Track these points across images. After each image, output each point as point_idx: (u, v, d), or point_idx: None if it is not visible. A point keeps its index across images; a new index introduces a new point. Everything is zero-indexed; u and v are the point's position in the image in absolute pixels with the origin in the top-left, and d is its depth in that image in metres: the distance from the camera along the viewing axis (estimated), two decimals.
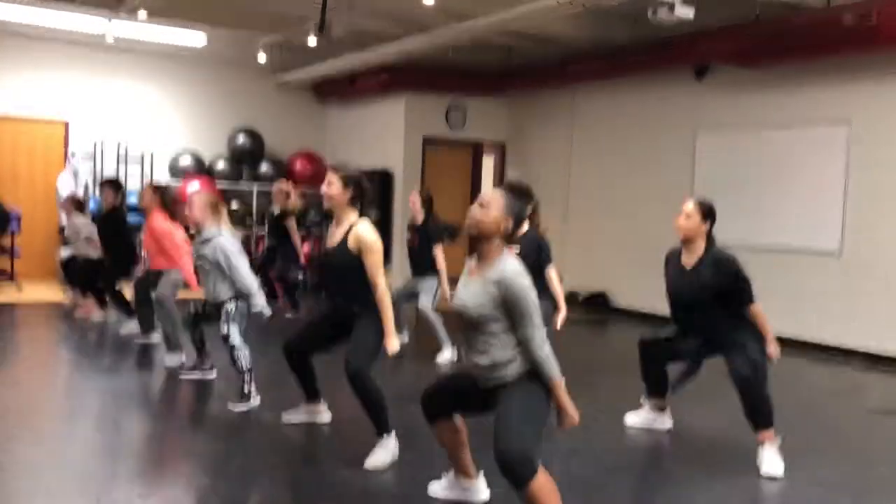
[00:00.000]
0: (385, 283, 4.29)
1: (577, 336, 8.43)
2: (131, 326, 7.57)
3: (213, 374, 5.97)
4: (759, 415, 4.39)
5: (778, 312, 8.09)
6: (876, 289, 7.68)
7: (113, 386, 5.83)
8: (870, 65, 7.64)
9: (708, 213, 4.56)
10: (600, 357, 7.81)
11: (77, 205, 8.73)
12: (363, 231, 4.25)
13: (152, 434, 4.77)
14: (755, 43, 7.94)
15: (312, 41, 9.83)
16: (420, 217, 7.08)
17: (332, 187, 4.30)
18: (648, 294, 9.77)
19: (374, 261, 4.25)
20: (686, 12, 7.03)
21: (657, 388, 5.01)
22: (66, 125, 11.63)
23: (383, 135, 12.05)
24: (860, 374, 7.27)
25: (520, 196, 3.31)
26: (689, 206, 4.60)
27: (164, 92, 12.28)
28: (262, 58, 11.21)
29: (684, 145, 9.55)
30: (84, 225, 8.43)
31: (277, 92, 12.99)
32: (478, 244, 3.26)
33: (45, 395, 5.52)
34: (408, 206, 7.52)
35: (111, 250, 7.96)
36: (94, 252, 8.19)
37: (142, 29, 10.40)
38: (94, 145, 11.54)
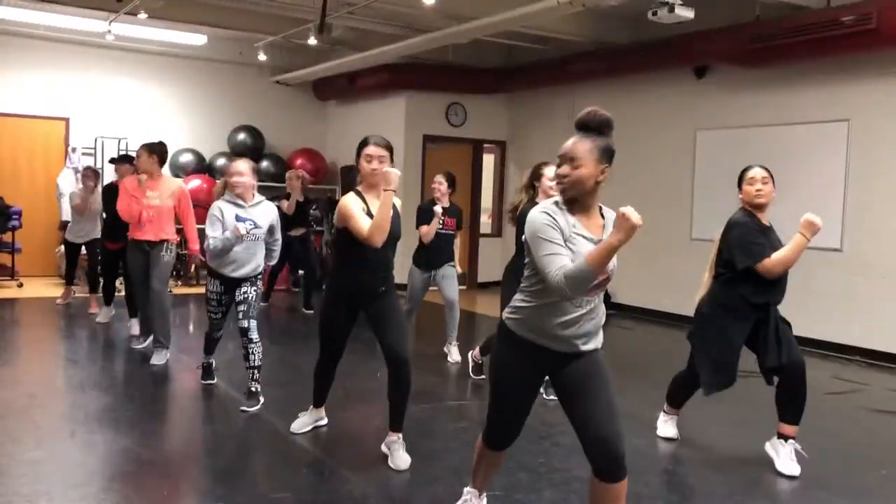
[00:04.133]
0: None
1: None
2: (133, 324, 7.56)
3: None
4: (797, 406, 4.32)
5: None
6: (877, 286, 7.69)
7: (114, 385, 5.84)
8: (869, 64, 7.64)
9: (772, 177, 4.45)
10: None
11: (97, 177, 8.64)
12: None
13: (153, 434, 4.78)
14: (755, 43, 7.94)
15: (312, 42, 9.84)
16: (447, 200, 6.79)
17: (385, 163, 4.10)
18: (650, 290, 9.81)
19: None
20: (686, 13, 7.04)
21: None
22: (67, 122, 11.64)
23: (384, 133, 11.97)
24: (861, 371, 7.29)
25: (603, 130, 2.87)
26: (761, 171, 4.38)
27: (164, 91, 12.28)
28: (262, 58, 11.23)
29: (684, 144, 9.56)
30: (96, 200, 8.39)
31: (277, 91, 12.99)
32: (575, 203, 2.92)
33: (45, 394, 5.52)
34: (409, 202, 7.48)
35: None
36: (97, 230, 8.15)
37: (142, 29, 10.43)
38: (95, 140, 11.55)
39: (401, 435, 4.27)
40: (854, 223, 7.89)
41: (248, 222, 5.16)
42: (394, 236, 4.20)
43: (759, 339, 4.36)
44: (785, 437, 4.37)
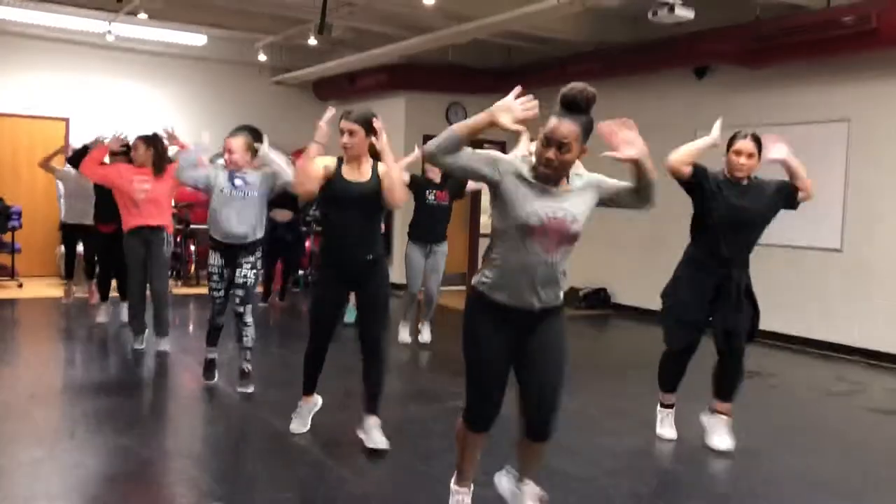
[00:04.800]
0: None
1: (578, 333, 8.49)
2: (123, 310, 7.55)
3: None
4: (733, 385, 4.54)
5: (779, 310, 8.16)
6: (877, 286, 7.69)
7: (113, 385, 5.83)
8: (869, 64, 7.65)
9: (761, 147, 4.37)
10: (601, 354, 7.80)
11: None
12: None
13: (152, 434, 4.78)
14: (755, 43, 7.94)
15: (312, 42, 9.84)
16: (438, 176, 7.25)
17: (356, 136, 4.29)
18: (649, 290, 9.78)
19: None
20: (686, 13, 7.04)
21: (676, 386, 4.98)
22: (67, 122, 11.64)
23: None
24: (862, 372, 7.28)
25: (590, 108, 2.91)
26: (748, 145, 4.32)
27: (164, 91, 12.28)
28: (262, 58, 11.24)
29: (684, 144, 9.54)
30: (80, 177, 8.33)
31: (277, 91, 12.99)
32: (549, 178, 2.96)
33: (45, 394, 5.52)
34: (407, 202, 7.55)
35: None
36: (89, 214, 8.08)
37: (142, 29, 10.43)
38: (95, 141, 11.53)
39: (377, 418, 4.33)
40: (854, 223, 7.89)
41: (237, 179, 5.25)
42: (377, 206, 4.30)
43: (719, 299, 4.45)
44: (722, 415, 4.54)
